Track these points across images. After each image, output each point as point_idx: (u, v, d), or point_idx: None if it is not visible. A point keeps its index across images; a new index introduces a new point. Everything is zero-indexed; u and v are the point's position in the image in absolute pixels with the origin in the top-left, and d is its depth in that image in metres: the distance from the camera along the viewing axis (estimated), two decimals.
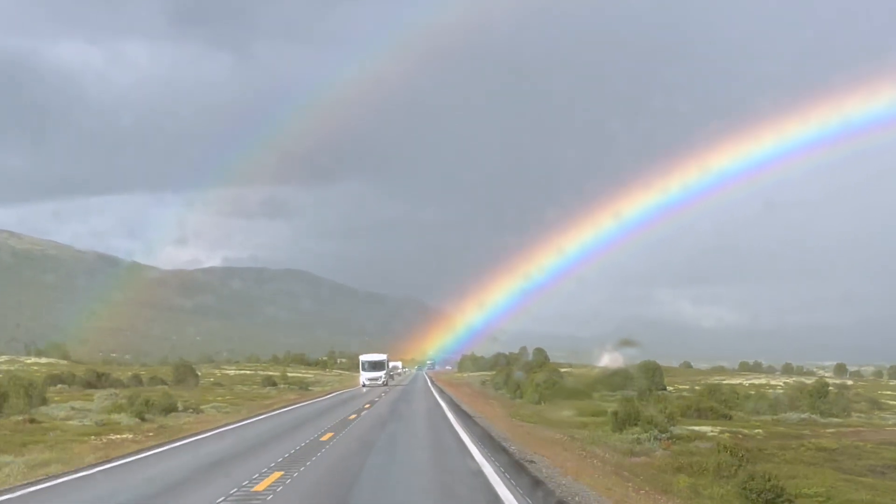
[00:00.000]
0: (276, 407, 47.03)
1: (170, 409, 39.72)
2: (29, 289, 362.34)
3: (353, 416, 37.51)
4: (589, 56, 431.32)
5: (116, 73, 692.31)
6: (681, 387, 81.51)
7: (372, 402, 50.54)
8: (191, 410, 40.82)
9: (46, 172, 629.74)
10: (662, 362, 79.67)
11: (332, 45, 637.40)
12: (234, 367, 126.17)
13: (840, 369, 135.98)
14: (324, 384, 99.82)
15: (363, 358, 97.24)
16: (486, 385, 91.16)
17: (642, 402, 44.11)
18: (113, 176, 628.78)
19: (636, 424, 33.08)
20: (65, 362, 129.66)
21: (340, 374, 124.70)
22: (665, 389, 78.31)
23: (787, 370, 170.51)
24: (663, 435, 32.14)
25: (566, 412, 43.17)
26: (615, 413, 34.79)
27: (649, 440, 30.86)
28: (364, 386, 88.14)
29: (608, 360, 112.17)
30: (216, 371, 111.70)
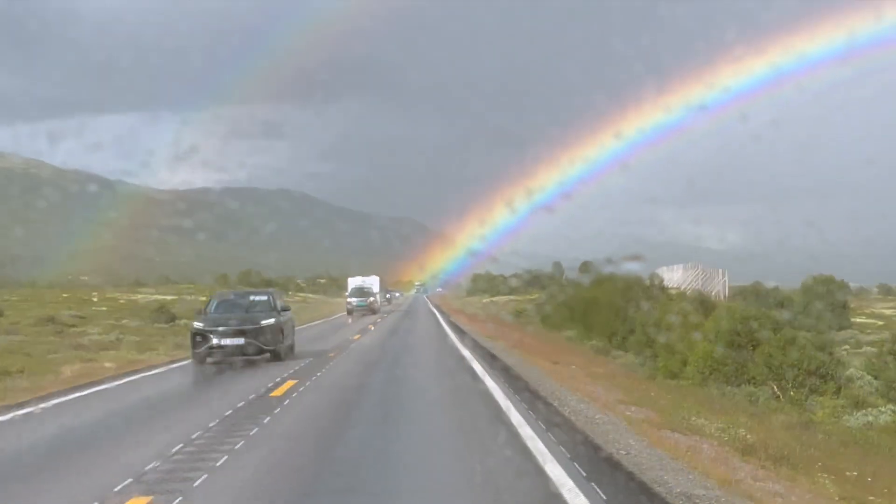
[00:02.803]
0: None
1: None
2: (16, 209, 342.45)
3: None
4: None
5: None
6: (867, 321, 47.28)
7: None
8: None
9: (38, 91, 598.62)
10: None
11: None
12: (153, 291, 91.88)
13: None
14: None
15: None
16: (522, 317, 59.17)
17: None
18: (107, 95, 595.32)
19: None
20: None
21: (305, 300, 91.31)
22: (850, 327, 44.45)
23: (885, 291, 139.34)
24: None
25: None
26: None
27: None
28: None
29: (676, 276, 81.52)
30: (119, 296, 78.45)
